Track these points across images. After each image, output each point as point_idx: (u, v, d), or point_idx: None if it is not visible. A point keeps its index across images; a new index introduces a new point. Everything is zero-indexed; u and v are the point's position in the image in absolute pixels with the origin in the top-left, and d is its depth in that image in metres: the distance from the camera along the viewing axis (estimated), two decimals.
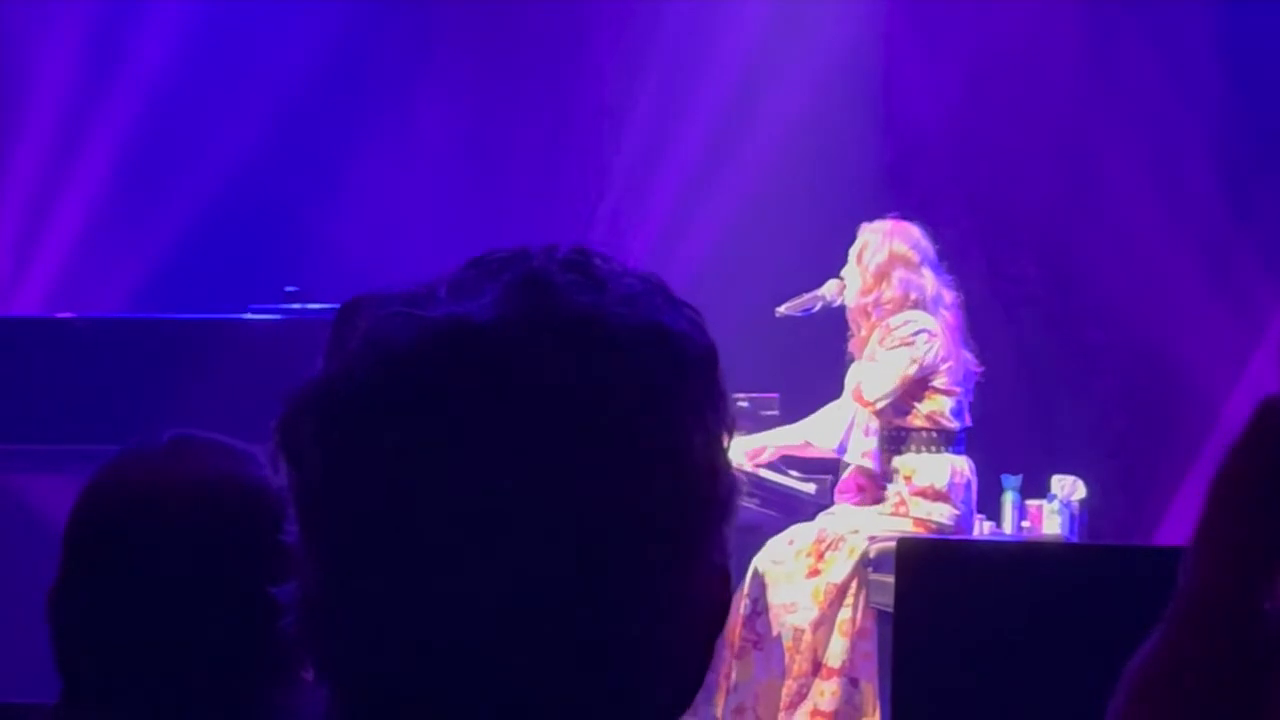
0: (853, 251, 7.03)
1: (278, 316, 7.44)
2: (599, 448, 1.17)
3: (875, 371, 6.83)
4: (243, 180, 9.11)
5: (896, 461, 6.89)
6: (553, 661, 1.17)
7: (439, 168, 9.24)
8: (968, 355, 6.99)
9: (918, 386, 6.85)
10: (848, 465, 6.97)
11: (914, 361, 6.81)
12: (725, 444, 1.23)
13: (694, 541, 1.20)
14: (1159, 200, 8.71)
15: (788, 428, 7.16)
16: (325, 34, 9.25)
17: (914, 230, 7.01)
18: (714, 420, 1.22)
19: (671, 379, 1.20)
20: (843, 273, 7.06)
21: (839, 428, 6.94)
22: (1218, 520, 1.15)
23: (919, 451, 6.89)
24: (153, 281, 9.02)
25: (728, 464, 1.23)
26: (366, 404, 1.18)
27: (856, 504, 6.92)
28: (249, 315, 7.57)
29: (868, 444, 6.89)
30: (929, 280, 6.93)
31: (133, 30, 9.27)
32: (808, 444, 7.09)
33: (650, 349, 1.19)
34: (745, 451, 6.92)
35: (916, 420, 6.90)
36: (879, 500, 6.90)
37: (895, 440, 6.90)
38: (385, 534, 1.18)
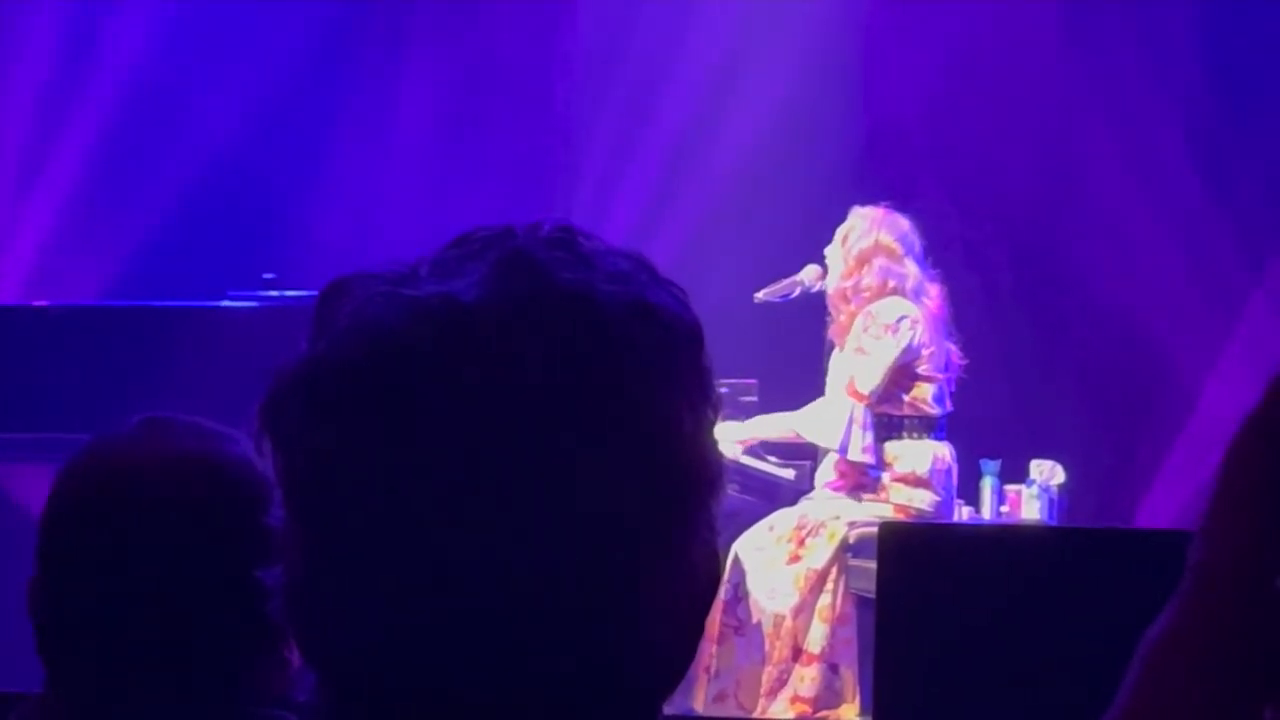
0: (839, 233, 7.02)
1: (255, 304, 7.42)
2: (588, 425, 1.16)
3: (866, 363, 6.81)
4: (220, 168, 9.09)
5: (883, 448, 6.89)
6: (541, 643, 1.17)
7: (416, 155, 9.22)
8: (951, 346, 6.98)
9: (903, 374, 6.85)
10: (828, 452, 6.95)
11: (898, 347, 6.81)
12: (712, 421, 1.22)
13: (683, 518, 1.20)
14: (1137, 187, 8.72)
15: (772, 417, 7.10)
16: (302, 22, 9.23)
17: (903, 222, 7.00)
18: (700, 397, 1.22)
19: (660, 356, 1.19)
20: (826, 251, 7.05)
21: (837, 425, 6.84)
22: (1230, 495, 1.15)
23: (901, 438, 6.89)
24: (130, 269, 9.01)
25: (715, 441, 1.23)
26: (354, 384, 1.18)
27: (837, 490, 6.92)
28: (227, 303, 7.55)
29: (866, 438, 6.85)
30: (912, 272, 6.92)
31: (109, 19, 9.25)
32: (797, 437, 7.03)
33: (638, 326, 1.19)
34: (734, 440, 6.92)
35: (902, 408, 6.89)
36: (860, 486, 6.89)
37: (882, 428, 6.89)
38: (372, 516, 1.17)
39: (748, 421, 7.10)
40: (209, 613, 2.03)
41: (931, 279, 6.99)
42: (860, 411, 6.85)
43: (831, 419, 6.88)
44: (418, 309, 1.18)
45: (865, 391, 6.81)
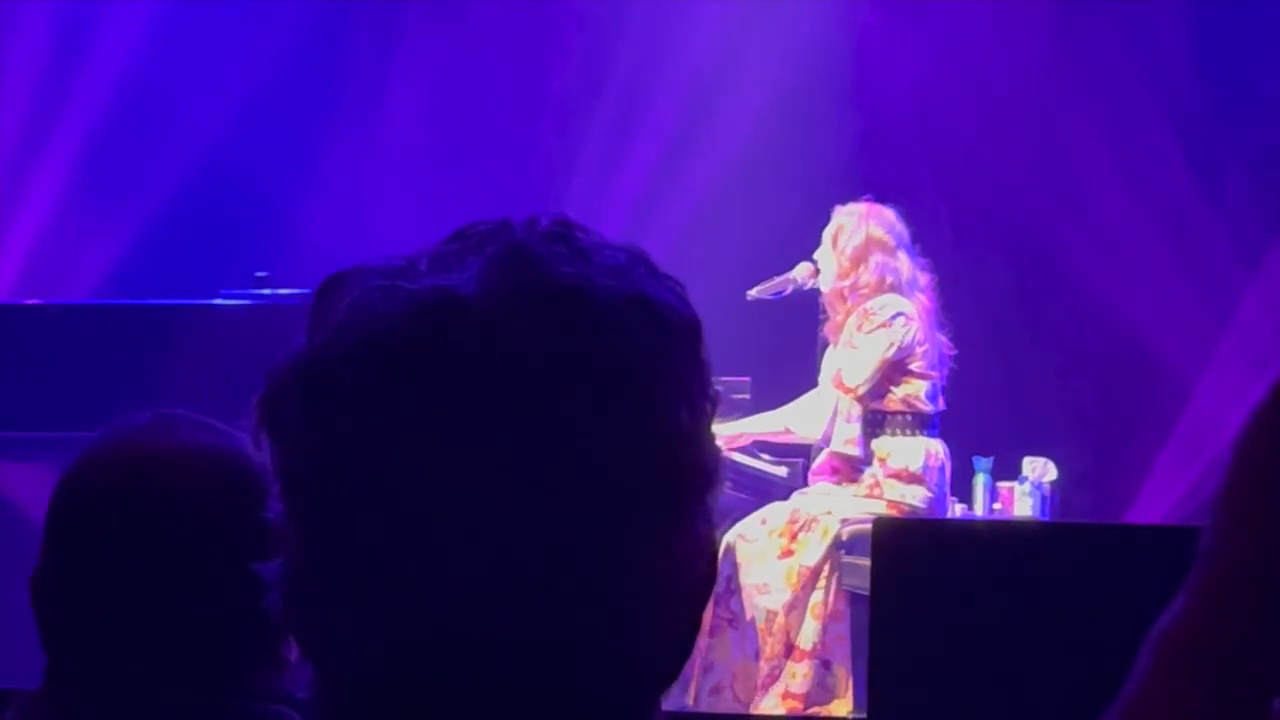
0: (827, 234, 7.02)
1: (248, 302, 7.41)
2: (586, 419, 1.16)
3: (855, 357, 6.82)
4: (213, 166, 9.08)
5: (873, 444, 6.89)
6: (540, 636, 1.17)
7: (409, 153, 9.22)
8: (942, 338, 6.99)
9: (895, 370, 6.85)
10: (822, 449, 6.96)
11: (892, 345, 6.81)
12: (710, 415, 1.23)
13: (681, 512, 1.20)
14: (1128, 183, 8.73)
15: (766, 415, 7.12)
16: (295, 20, 9.22)
17: (889, 213, 7.00)
18: (699, 392, 1.22)
19: (658, 350, 1.20)
20: (816, 255, 7.06)
21: (822, 417, 6.89)
22: (1240, 486, 1.16)
23: (894, 434, 6.89)
24: (123, 268, 9.00)
25: (712, 435, 1.23)
26: (351, 377, 1.18)
27: (828, 478, 6.92)
28: (219, 301, 7.54)
29: (851, 430, 6.86)
30: (904, 264, 6.93)
31: (101, 16, 9.24)
32: (788, 431, 7.06)
33: (637, 320, 1.19)
34: (724, 438, 6.91)
35: (892, 404, 6.90)
36: (854, 483, 6.89)
37: (872, 423, 6.90)
38: (370, 509, 1.17)
39: (737, 420, 7.10)
40: (213, 609, 2.03)
41: (922, 268, 7.00)
42: (845, 404, 6.86)
43: (816, 410, 6.91)
44: (415, 302, 1.18)
45: (851, 385, 6.82)
